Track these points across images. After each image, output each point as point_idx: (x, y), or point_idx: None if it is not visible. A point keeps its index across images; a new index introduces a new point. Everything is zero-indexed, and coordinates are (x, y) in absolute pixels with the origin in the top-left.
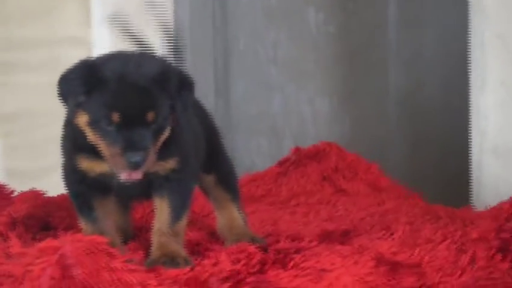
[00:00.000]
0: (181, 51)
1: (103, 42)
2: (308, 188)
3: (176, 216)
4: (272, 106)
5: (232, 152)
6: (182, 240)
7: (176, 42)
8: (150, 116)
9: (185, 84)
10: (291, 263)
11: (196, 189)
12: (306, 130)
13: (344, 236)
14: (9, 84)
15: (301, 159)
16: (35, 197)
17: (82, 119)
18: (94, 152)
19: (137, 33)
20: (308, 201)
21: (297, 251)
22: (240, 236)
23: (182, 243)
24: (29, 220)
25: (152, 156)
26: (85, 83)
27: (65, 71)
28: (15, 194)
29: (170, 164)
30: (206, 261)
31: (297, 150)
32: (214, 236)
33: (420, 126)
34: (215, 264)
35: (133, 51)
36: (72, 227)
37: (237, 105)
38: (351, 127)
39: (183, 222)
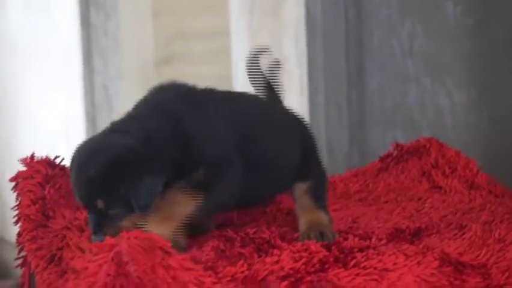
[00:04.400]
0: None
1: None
2: (405, 184)
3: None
4: (408, 99)
5: (367, 145)
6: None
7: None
8: (99, 204)
9: (142, 170)
10: (353, 262)
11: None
12: (443, 123)
13: (415, 236)
14: (165, 74)
15: (403, 154)
16: None
17: None
18: None
19: None
20: (398, 198)
21: (361, 250)
22: (310, 231)
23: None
24: None
25: (117, 229)
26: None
27: None
28: None
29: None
30: (268, 259)
31: (398, 145)
32: (289, 234)
33: None
34: (276, 262)
35: (104, 133)
36: None
37: (371, 98)
38: (489, 120)
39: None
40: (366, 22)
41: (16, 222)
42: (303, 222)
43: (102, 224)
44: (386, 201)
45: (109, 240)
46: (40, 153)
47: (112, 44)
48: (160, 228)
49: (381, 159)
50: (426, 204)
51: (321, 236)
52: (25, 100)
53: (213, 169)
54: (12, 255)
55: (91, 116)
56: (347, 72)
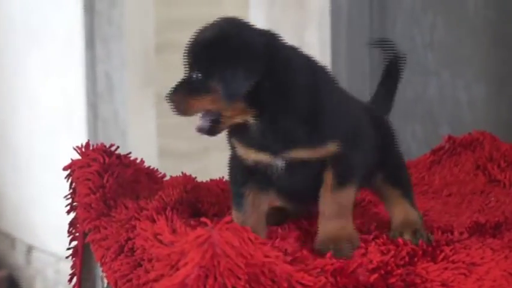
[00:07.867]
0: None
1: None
2: (461, 177)
3: (339, 182)
4: (428, 91)
5: None
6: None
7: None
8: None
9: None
10: (441, 256)
11: None
12: (462, 117)
13: (496, 229)
14: (166, 64)
15: (455, 147)
16: (185, 181)
17: None
18: (244, 138)
19: None
20: (461, 191)
21: (447, 244)
22: (404, 228)
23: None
24: (180, 205)
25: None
26: None
27: None
28: (167, 178)
29: (330, 148)
30: (355, 251)
31: (451, 138)
32: (365, 226)
33: None
34: (364, 255)
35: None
36: (221, 214)
37: None
38: (508, 114)
39: (349, 190)
40: (390, 10)
41: (69, 212)
42: (396, 219)
43: (181, 87)
44: (449, 195)
45: (201, 231)
46: (39, 138)
47: (115, 32)
48: (341, 224)
49: (433, 151)
50: (493, 199)
51: (414, 234)
52: (26, 83)
53: (346, 143)
54: (4, 246)
55: (92, 104)
56: (369, 61)
